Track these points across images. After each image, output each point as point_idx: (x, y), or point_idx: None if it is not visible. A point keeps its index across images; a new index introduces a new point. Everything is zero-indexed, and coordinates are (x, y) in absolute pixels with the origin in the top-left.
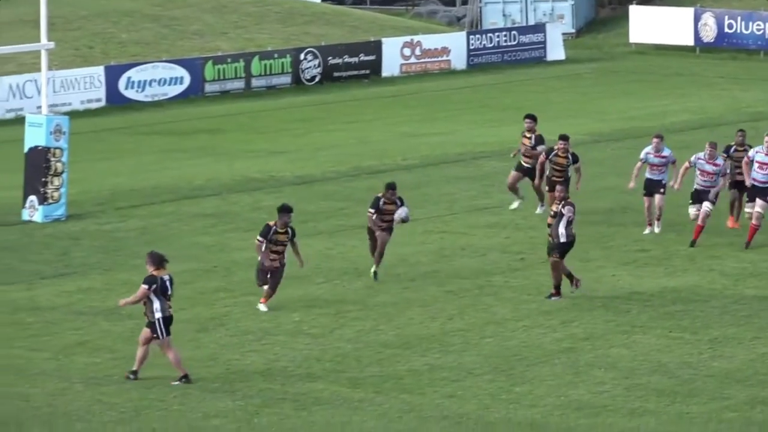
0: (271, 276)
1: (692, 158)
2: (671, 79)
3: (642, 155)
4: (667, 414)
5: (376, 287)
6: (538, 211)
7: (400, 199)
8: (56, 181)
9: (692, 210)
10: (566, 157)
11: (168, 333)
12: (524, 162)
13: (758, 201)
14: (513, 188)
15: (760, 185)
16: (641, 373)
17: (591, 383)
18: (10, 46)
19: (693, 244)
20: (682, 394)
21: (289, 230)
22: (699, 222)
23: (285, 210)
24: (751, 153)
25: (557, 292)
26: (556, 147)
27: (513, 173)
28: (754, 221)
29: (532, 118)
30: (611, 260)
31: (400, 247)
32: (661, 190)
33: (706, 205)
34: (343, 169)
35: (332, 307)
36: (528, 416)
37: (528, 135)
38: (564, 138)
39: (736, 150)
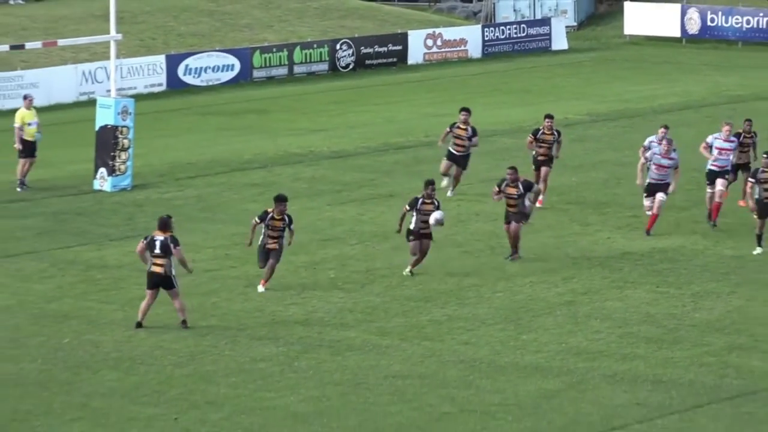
0: (269, 257)
1: (648, 153)
2: (661, 66)
3: (645, 143)
4: (655, 358)
5: (402, 248)
6: (449, 194)
7: (437, 200)
8: (123, 156)
9: (647, 203)
10: (552, 134)
11: (147, 286)
12: (456, 150)
13: (718, 181)
14: (446, 173)
15: (718, 169)
16: (632, 323)
17: (588, 332)
18: (84, 37)
19: (649, 233)
20: (667, 341)
21: (286, 218)
22: (654, 211)
23: (280, 199)
24: (709, 139)
25: (516, 251)
26: (542, 126)
27: (445, 162)
28: (717, 199)
29: (467, 111)
30: (607, 225)
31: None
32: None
33: (660, 195)
34: (374, 145)
35: (363, 266)
36: (533, 360)
37: (463, 127)
38: (549, 117)
39: (744, 137)
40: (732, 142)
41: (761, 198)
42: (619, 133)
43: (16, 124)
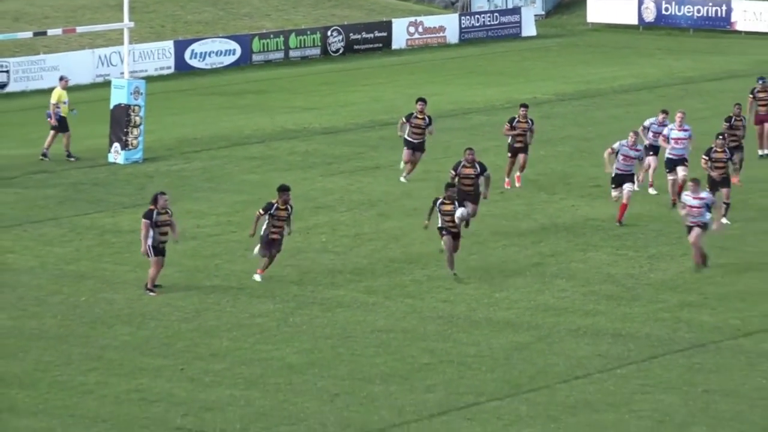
0: (272, 247)
1: (616, 145)
2: (620, 51)
3: (646, 123)
4: (615, 314)
5: (386, 215)
6: (402, 179)
7: (458, 200)
8: (135, 132)
9: (614, 193)
10: (526, 122)
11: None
12: (413, 138)
13: (678, 169)
14: (408, 161)
15: (675, 158)
16: (594, 282)
17: (555, 290)
18: (100, 25)
19: (620, 223)
20: (626, 299)
21: (289, 207)
22: (624, 201)
23: (284, 189)
24: (666, 131)
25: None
26: (518, 114)
27: (406, 150)
28: (680, 182)
29: (424, 101)
30: (572, 194)
31: (406, 184)
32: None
33: (628, 186)
34: (361, 122)
35: (352, 231)
36: (505, 316)
37: (420, 116)
38: (524, 106)
39: (735, 120)
40: (686, 131)
41: (713, 175)
42: (583, 111)
43: (53, 101)
